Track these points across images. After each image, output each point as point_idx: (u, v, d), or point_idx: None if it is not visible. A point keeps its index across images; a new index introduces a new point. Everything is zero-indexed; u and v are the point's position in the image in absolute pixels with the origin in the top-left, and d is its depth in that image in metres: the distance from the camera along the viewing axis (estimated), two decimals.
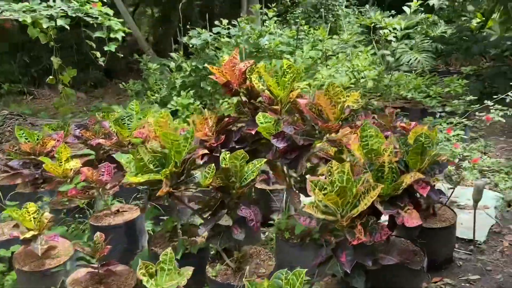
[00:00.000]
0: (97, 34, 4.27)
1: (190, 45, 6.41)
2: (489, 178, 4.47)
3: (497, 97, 4.62)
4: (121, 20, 4.55)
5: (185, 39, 6.54)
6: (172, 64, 6.45)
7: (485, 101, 4.60)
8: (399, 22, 5.61)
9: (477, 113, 4.76)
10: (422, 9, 10.17)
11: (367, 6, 12.09)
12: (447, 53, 9.45)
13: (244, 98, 3.21)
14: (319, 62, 5.61)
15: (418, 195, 2.31)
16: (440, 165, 2.35)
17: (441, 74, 9.07)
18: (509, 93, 4.51)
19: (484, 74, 8.40)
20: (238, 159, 2.53)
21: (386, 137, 4.96)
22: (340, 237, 2.12)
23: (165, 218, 3.32)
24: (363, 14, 10.88)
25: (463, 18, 11.07)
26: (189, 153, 2.47)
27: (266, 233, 3.62)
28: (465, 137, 4.37)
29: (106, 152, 4.14)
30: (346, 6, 11.97)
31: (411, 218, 2.07)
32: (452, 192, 3.16)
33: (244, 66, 3.15)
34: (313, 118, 2.64)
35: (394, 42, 5.71)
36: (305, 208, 2.06)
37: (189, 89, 6.00)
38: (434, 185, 2.47)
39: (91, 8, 4.13)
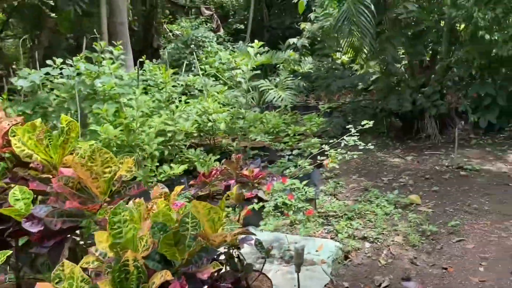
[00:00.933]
0: None
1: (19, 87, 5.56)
2: (332, 225, 4.28)
3: (333, 142, 4.53)
4: None
5: (14, 80, 5.67)
6: None
7: (323, 146, 4.47)
8: (246, 63, 5.41)
9: (318, 157, 4.62)
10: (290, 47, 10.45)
11: (241, 42, 12.18)
12: (311, 89, 9.68)
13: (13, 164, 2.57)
14: (163, 106, 5.16)
15: None
16: (209, 252, 1.92)
17: (311, 110, 9.24)
18: (344, 137, 4.44)
19: (346, 110, 8.65)
20: None
21: (228, 187, 4.53)
22: None
23: None
24: (234, 51, 10.86)
25: (338, 54, 11.59)
26: None
27: None
28: (298, 185, 4.13)
29: None
30: (219, 43, 11.91)
31: None
32: (264, 263, 2.80)
33: (8, 124, 2.52)
34: (70, 195, 2.09)
35: (243, 82, 5.48)
36: None
37: None
38: (216, 271, 2.05)
39: None
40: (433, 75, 7.49)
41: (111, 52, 5.99)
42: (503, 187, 5.15)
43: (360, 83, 8.40)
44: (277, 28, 15.80)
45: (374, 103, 8.16)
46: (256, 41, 5.76)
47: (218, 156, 5.33)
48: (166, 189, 3.13)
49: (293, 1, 8.51)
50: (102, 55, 6.06)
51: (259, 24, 16.57)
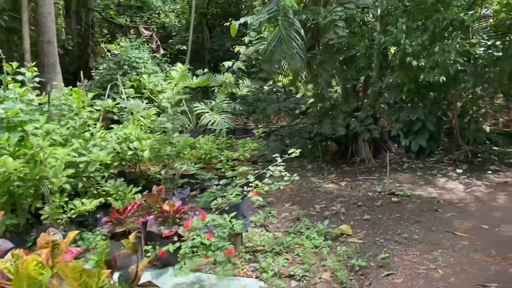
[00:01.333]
0: None
1: None
2: (259, 262, 3.99)
3: (258, 172, 4.29)
4: None
5: None
6: None
7: (249, 177, 4.20)
8: (171, 87, 5.09)
9: (245, 187, 4.35)
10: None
11: (179, 64, 11.84)
12: (251, 112, 9.51)
13: None
14: (77, 134, 4.70)
15: None
16: None
17: (250, 133, 9.03)
18: (269, 167, 4.21)
19: (283, 133, 8.51)
20: None
21: (145, 223, 4.11)
22: None
23: None
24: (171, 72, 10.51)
25: (280, 77, 11.53)
26: None
27: None
28: (219, 221, 3.77)
29: None
30: (157, 64, 11.52)
31: None
32: None
33: None
34: None
35: (169, 107, 5.15)
36: None
37: None
38: None
39: None
40: (366, 100, 7.55)
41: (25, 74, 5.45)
42: (433, 214, 5.13)
43: (296, 107, 8.31)
44: (219, 50, 15.67)
45: (310, 127, 8.08)
46: (179, 64, 5.49)
47: (140, 188, 4.93)
48: (58, 235, 2.73)
49: (225, 24, 8.34)
50: (16, 77, 5.52)
51: (200, 46, 16.38)
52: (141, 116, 5.91)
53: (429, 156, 7.40)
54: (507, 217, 4.93)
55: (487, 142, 7.31)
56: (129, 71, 9.59)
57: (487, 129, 7.40)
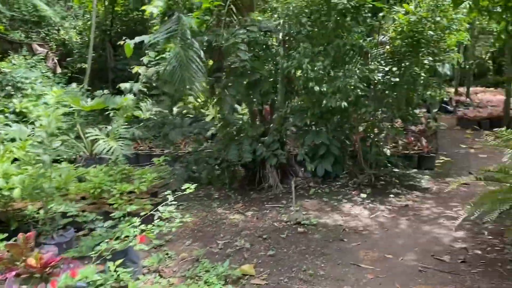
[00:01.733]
0: None
1: None
2: None
3: (145, 214, 3.76)
4: None
5: None
6: None
7: (134, 219, 3.65)
8: (46, 113, 4.39)
9: (132, 231, 3.78)
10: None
11: (74, 84, 10.86)
12: (154, 137, 8.87)
13: None
14: None
15: None
16: None
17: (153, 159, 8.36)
18: (158, 208, 3.70)
19: (189, 160, 7.99)
20: None
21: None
22: None
23: None
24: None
25: (190, 99, 11.01)
26: None
27: None
28: (92, 277, 3.16)
29: None
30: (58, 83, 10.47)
31: None
32: None
33: None
34: None
35: (44, 138, 4.42)
36: None
37: None
38: None
39: None
40: (272, 124, 7.35)
41: None
42: (338, 244, 4.96)
43: (201, 131, 7.88)
44: (124, 69, 14.77)
45: (217, 152, 7.68)
46: (54, 88, 4.81)
47: (6, 235, 4.11)
48: None
49: (119, 43, 7.73)
50: None
51: (103, 65, 15.36)
52: (15, 147, 5.07)
53: (334, 180, 7.37)
54: (409, 244, 4.91)
55: (388, 165, 7.47)
56: (12, 93, 8.48)
57: (388, 152, 7.57)
